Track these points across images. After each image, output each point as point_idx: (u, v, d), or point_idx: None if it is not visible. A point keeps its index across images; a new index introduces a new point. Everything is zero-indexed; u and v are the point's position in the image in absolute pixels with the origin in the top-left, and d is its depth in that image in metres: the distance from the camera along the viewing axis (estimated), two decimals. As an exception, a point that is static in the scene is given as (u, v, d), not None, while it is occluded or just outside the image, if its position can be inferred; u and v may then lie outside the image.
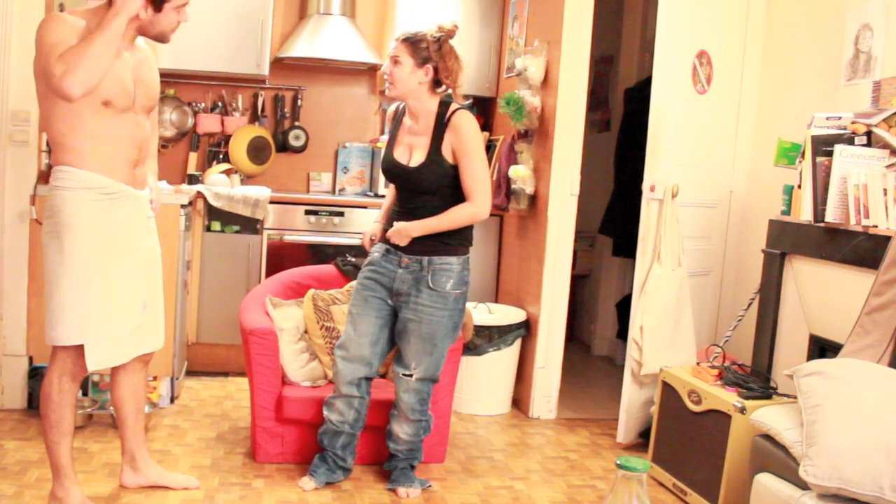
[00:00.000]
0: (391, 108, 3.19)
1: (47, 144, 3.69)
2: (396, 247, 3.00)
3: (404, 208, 3.04)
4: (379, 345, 3.06)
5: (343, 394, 3.08)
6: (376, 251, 3.10)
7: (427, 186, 2.96)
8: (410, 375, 3.02)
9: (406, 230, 2.94)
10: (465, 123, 2.92)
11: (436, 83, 2.95)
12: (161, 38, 2.69)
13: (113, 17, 2.47)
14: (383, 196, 4.87)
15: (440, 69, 2.92)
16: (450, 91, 3.00)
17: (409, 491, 3.08)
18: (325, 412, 3.11)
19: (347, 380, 3.06)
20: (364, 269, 3.12)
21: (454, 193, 2.96)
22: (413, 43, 2.91)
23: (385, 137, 5.06)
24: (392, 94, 2.98)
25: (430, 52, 2.91)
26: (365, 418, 3.15)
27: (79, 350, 2.60)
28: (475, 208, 2.94)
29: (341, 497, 3.03)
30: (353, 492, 3.09)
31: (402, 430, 3.09)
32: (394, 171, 3.05)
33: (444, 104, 2.97)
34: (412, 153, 2.99)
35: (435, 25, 2.95)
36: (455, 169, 2.94)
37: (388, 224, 3.06)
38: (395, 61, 2.92)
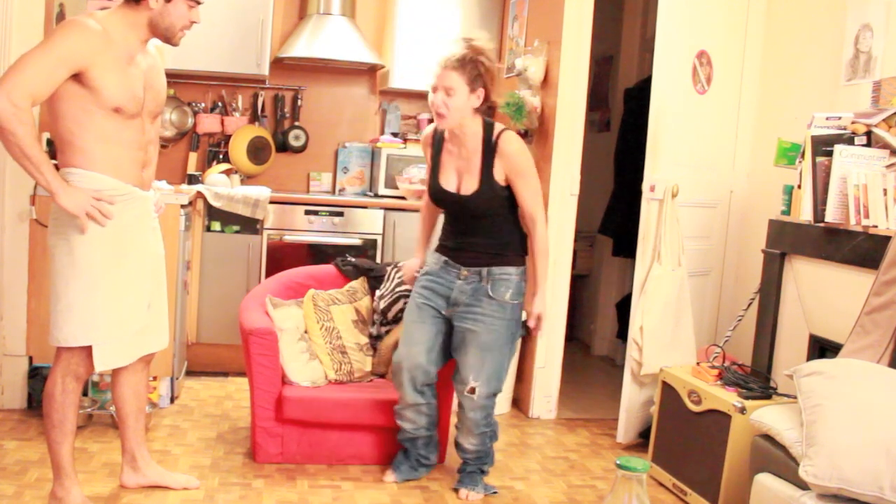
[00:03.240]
0: (427, 132, 3.10)
1: (48, 145, 3.69)
2: (455, 259, 3.00)
3: (458, 230, 3.03)
4: (434, 352, 3.04)
5: (409, 403, 3.07)
6: (433, 263, 3.09)
7: (483, 212, 2.96)
8: (473, 391, 2.98)
9: (546, 304, 2.98)
10: (513, 146, 2.89)
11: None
12: (169, 35, 2.64)
13: (51, 180, 2.43)
14: (383, 196, 4.89)
15: (488, 87, 2.87)
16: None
17: (470, 493, 3.07)
18: (398, 421, 3.14)
19: (410, 390, 3.06)
20: (420, 278, 3.10)
21: (507, 214, 2.98)
22: (463, 67, 2.81)
23: (384, 138, 5.10)
24: (444, 125, 2.91)
25: (481, 72, 2.83)
26: (437, 417, 3.17)
27: (84, 350, 2.60)
28: (544, 228, 2.97)
29: (341, 497, 3.04)
30: (353, 492, 3.09)
31: (468, 441, 3.08)
32: (446, 201, 3.02)
33: (489, 125, 2.92)
34: (462, 180, 2.96)
35: (467, 44, 2.84)
36: (507, 190, 2.93)
37: (424, 250, 3.20)
38: (449, 92, 2.82)
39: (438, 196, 3.04)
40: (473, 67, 2.83)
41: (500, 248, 2.98)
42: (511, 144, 2.89)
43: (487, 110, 2.95)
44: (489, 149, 2.89)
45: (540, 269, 2.97)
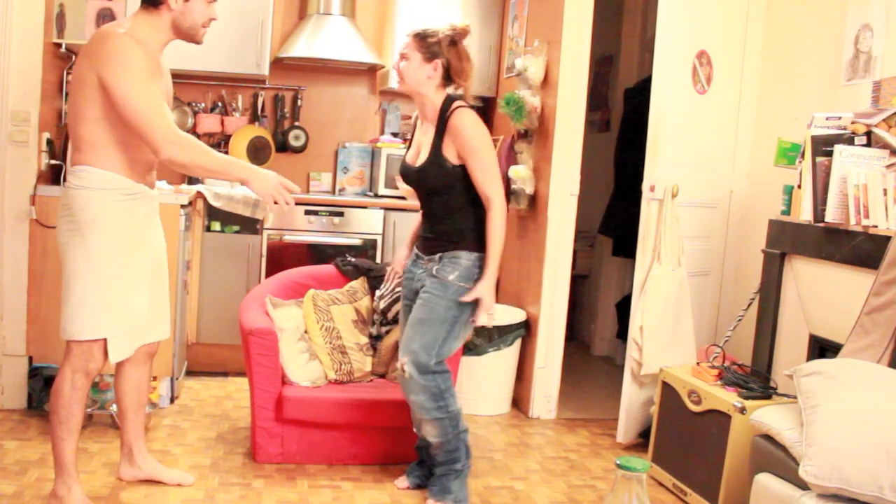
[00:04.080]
0: (415, 115, 3.15)
1: (48, 144, 3.70)
2: (421, 250, 3.02)
3: (424, 213, 3.05)
4: None
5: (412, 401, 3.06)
6: (411, 257, 3.12)
7: (433, 187, 2.94)
8: (402, 368, 2.89)
9: (488, 296, 2.86)
10: (463, 122, 2.86)
11: (447, 80, 2.92)
12: (192, 34, 2.69)
13: (243, 170, 2.66)
14: (383, 196, 4.89)
15: (452, 67, 2.89)
16: (459, 91, 2.96)
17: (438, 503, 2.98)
18: (414, 429, 3.08)
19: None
20: (404, 274, 3.15)
21: (467, 191, 2.91)
22: (422, 38, 2.89)
23: (384, 138, 5.11)
24: (402, 88, 2.97)
25: (441, 48, 2.88)
26: None
27: (94, 345, 2.63)
28: (498, 209, 2.86)
29: (341, 497, 3.04)
30: (353, 492, 3.09)
31: (427, 432, 2.97)
32: (405, 174, 3.05)
33: (448, 100, 2.92)
34: (419, 153, 2.98)
35: (447, 24, 2.92)
36: (460, 169, 2.89)
37: (413, 245, 3.13)
38: (403, 56, 2.91)
39: (402, 169, 3.08)
40: (434, 42, 2.87)
41: (456, 234, 2.93)
42: (459, 120, 2.85)
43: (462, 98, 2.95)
44: (442, 123, 2.90)
45: (489, 253, 2.87)
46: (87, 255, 2.59)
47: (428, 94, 2.92)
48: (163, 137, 2.51)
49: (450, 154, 2.89)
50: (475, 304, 2.91)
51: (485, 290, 2.88)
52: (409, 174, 3.02)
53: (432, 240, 2.99)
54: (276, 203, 2.65)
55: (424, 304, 2.92)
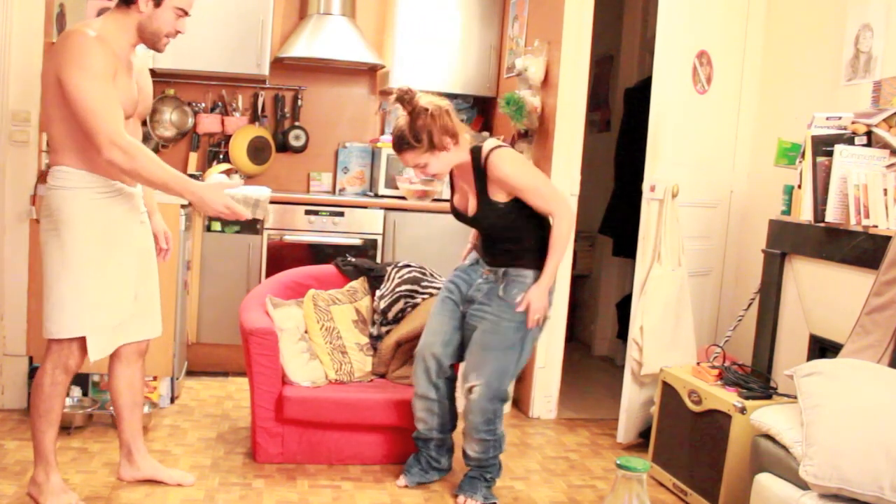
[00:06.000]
0: None
1: (48, 144, 3.69)
2: (483, 258, 3.04)
3: (486, 245, 3.05)
4: (451, 346, 3.06)
5: (419, 394, 3.09)
6: (468, 259, 3.15)
7: (494, 230, 2.98)
8: (471, 389, 2.96)
9: (540, 295, 2.90)
10: (503, 170, 2.86)
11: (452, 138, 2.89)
12: (154, 40, 2.68)
13: (184, 190, 2.58)
14: (384, 196, 4.90)
15: (440, 132, 2.84)
16: (478, 138, 2.98)
17: (469, 500, 3.03)
18: (415, 421, 3.15)
19: (423, 380, 3.09)
20: (452, 272, 3.15)
21: (526, 222, 2.94)
22: (414, 143, 2.84)
23: (385, 138, 5.11)
24: (442, 179, 3.03)
25: (432, 131, 2.82)
26: (453, 419, 3.17)
27: (74, 342, 2.65)
28: (565, 221, 2.90)
29: (341, 497, 3.04)
30: (354, 492, 3.09)
31: (470, 447, 3.04)
32: (461, 219, 3.08)
33: (476, 152, 2.92)
34: (468, 201, 3.00)
35: (397, 111, 2.91)
36: (514, 202, 2.90)
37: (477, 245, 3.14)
38: (419, 168, 2.90)
39: (455, 214, 3.11)
40: (423, 135, 2.83)
41: (522, 251, 2.97)
42: (498, 170, 2.87)
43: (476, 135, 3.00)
44: (480, 174, 2.91)
45: (548, 258, 2.92)
46: (62, 254, 2.60)
47: (456, 159, 2.93)
48: (107, 139, 2.47)
49: (499, 196, 2.92)
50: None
51: (535, 294, 2.90)
52: (467, 220, 3.05)
53: (496, 255, 3.01)
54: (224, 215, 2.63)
55: (492, 329, 2.93)
